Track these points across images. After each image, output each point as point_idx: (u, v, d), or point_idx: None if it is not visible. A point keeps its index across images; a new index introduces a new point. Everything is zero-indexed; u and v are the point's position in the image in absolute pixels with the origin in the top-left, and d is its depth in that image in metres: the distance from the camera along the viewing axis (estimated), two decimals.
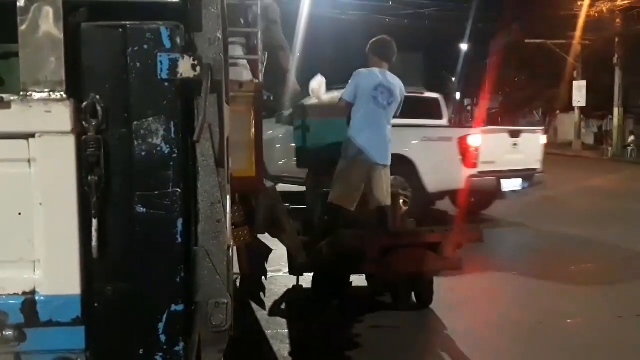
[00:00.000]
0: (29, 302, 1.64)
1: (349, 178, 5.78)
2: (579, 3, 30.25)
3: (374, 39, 6.02)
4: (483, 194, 10.22)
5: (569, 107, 34.86)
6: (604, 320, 5.84)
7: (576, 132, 34.74)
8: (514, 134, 10.21)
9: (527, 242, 9.32)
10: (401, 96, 5.91)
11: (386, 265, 5.39)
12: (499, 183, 9.81)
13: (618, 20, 29.78)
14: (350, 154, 5.75)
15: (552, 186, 16.39)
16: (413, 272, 5.65)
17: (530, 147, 10.62)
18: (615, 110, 30.48)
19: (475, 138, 9.57)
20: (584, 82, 31.71)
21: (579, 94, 31.79)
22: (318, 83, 6.28)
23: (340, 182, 5.82)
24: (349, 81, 5.83)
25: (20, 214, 1.64)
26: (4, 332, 1.61)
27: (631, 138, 30.11)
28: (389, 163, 5.91)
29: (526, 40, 35.37)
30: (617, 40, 29.92)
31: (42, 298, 1.65)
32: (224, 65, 1.98)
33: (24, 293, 1.65)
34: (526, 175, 10.43)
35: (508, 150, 10.16)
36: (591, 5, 29.92)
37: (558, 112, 40.13)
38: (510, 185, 10.14)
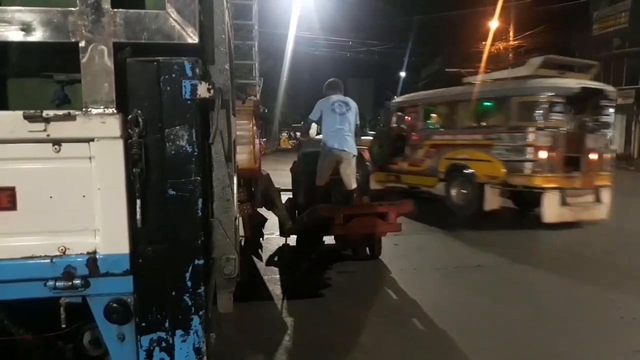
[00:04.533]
0: (92, 259, 1.62)
1: (323, 164, 5.87)
2: (483, 43, 30.50)
3: (326, 82, 6.19)
4: None
5: None
6: (500, 265, 5.93)
7: None
8: None
9: (449, 212, 9.40)
10: (355, 106, 5.99)
11: (348, 228, 5.41)
12: None
13: (511, 55, 30.01)
14: (324, 149, 5.83)
15: None
16: (367, 234, 5.69)
17: None
18: None
19: None
20: None
21: None
22: (313, 129, 6.65)
23: (319, 170, 5.90)
24: (314, 107, 5.96)
25: (84, 196, 1.61)
26: (74, 281, 1.60)
27: None
28: (354, 153, 5.93)
29: (446, 69, 35.54)
30: (510, 69, 30.16)
31: (101, 256, 1.62)
32: (230, 88, 1.97)
33: (88, 253, 1.62)
34: None
35: None
36: (492, 45, 30.19)
37: None
38: None
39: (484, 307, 4.46)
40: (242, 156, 3.78)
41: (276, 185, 5.47)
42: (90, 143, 1.58)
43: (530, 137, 7.76)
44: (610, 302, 4.58)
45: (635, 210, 9.75)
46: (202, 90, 1.65)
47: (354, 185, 5.97)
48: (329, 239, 5.97)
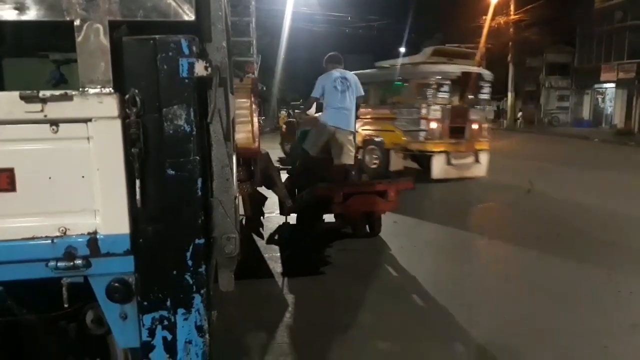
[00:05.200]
0: (92, 240, 1.62)
1: (318, 135, 6.06)
2: (483, 17, 30.11)
3: (326, 56, 6.33)
4: None
5: None
6: (493, 239, 5.97)
7: None
8: None
9: (449, 189, 9.44)
10: (354, 81, 6.12)
11: (348, 206, 5.43)
12: None
13: (511, 30, 29.70)
14: (321, 124, 6.02)
15: None
16: (367, 211, 5.71)
17: None
18: (509, 95, 30.65)
19: None
20: None
21: None
22: (312, 107, 7.15)
23: (311, 137, 6.15)
24: (315, 84, 6.09)
25: (83, 176, 1.61)
26: (75, 261, 1.60)
27: (520, 114, 30.37)
28: (352, 130, 6.12)
29: (446, 45, 35.15)
30: (510, 44, 29.89)
31: (101, 236, 1.63)
32: (228, 66, 1.95)
33: (89, 233, 1.62)
34: None
35: None
36: (492, 19, 29.80)
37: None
38: None
39: (483, 283, 4.50)
40: (241, 135, 3.77)
41: (275, 164, 5.47)
42: (88, 123, 1.57)
43: (423, 112, 9.76)
44: (607, 276, 4.63)
45: (610, 187, 9.79)
46: (200, 69, 1.63)
47: (349, 161, 6.00)
48: (328, 217, 5.99)
